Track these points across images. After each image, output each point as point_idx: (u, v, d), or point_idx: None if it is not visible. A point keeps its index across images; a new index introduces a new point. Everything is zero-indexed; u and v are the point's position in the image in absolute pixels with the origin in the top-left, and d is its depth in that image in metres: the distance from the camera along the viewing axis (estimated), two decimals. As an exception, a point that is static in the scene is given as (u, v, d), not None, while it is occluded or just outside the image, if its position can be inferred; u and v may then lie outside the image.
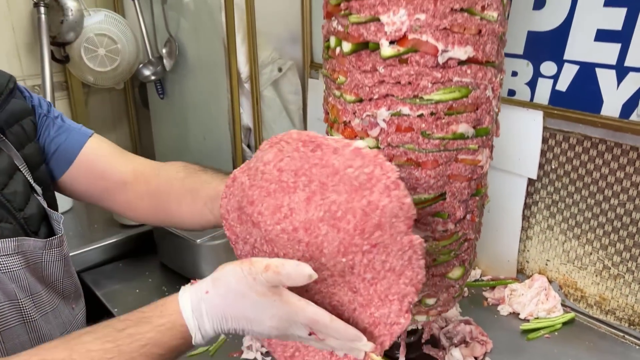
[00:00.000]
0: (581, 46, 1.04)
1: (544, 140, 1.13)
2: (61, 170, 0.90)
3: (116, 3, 1.85)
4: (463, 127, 0.78)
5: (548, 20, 1.07)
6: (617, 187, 1.04)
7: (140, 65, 1.77)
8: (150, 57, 1.75)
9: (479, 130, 0.79)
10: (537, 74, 1.12)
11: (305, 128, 1.70)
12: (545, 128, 1.12)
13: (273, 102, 1.62)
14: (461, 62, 0.75)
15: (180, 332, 0.62)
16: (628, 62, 0.98)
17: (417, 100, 0.75)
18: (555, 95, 1.10)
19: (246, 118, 1.61)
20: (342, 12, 0.77)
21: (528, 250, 1.23)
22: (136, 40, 1.77)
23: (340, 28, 0.79)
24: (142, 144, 2.13)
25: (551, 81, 1.10)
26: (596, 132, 1.04)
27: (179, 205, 0.89)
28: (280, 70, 1.61)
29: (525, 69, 1.13)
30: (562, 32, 1.06)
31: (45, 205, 0.84)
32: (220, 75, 1.54)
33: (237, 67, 1.52)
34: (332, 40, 0.82)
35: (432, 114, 0.76)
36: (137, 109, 2.07)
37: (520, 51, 1.13)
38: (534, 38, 1.11)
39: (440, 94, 0.75)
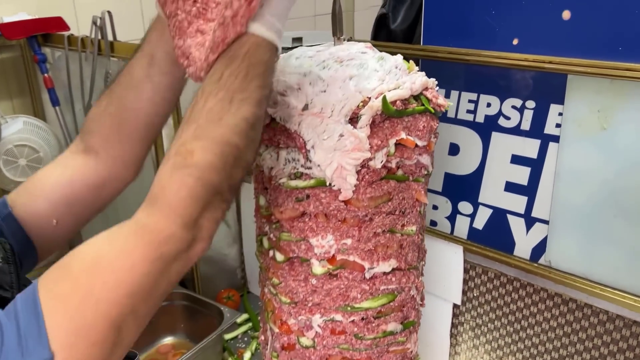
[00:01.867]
0: (493, 193, 1.13)
1: (466, 271, 1.22)
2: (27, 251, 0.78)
3: (35, 107, 1.80)
4: (392, 326, 0.84)
5: (462, 166, 1.16)
6: (531, 320, 1.14)
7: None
8: (76, 164, 1.71)
9: (406, 324, 0.86)
10: (455, 210, 1.20)
11: (240, 228, 1.73)
12: (465, 261, 1.20)
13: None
14: (386, 273, 0.81)
15: (265, 46, 0.62)
16: (534, 214, 1.08)
17: (349, 308, 0.81)
18: (472, 232, 1.19)
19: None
20: (273, 224, 0.81)
21: (457, 365, 1.32)
22: (60, 144, 1.73)
23: (272, 237, 0.83)
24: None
25: (468, 219, 1.19)
26: (511, 271, 1.14)
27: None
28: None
29: (445, 205, 1.22)
30: (476, 178, 1.15)
31: None
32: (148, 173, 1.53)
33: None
34: (265, 242, 0.86)
35: (362, 319, 0.81)
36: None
37: (440, 189, 1.21)
38: (451, 179, 1.19)
39: (369, 302, 0.81)
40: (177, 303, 1.55)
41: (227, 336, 1.52)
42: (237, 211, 1.72)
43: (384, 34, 1.36)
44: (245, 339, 1.54)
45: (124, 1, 1.75)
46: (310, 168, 0.74)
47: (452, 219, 1.22)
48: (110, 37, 1.51)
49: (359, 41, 0.90)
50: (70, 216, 0.78)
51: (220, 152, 0.58)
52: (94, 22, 1.49)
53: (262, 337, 0.97)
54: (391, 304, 0.82)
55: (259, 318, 0.99)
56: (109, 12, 1.49)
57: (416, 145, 0.76)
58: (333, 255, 0.78)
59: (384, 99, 0.69)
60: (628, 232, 0.97)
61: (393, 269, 0.81)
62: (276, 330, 0.87)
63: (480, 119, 1.11)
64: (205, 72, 0.63)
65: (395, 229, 0.79)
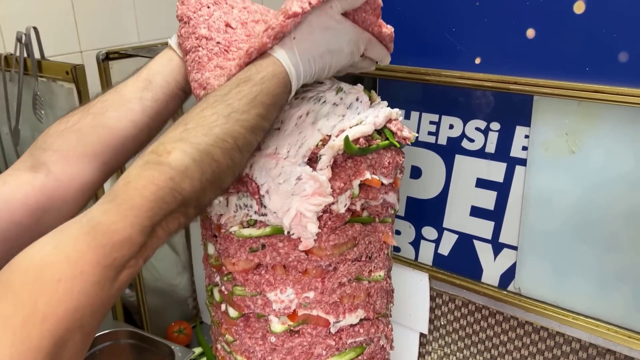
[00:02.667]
0: (458, 218, 1.07)
1: (432, 298, 1.16)
2: None
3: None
4: (361, 380, 0.76)
5: (425, 189, 1.10)
6: (501, 349, 1.09)
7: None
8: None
9: (376, 375, 0.78)
10: (419, 236, 1.14)
11: (190, 255, 1.62)
12: (432, 288, 1.14)
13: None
14: (353, 325, 0.73)
15: (281, 80, 0.62)
16: (502, 239, 1.03)
17: (313, 366, 0.72)
18: (438, 258, 1.13)
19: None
20: (225, 276, 0.72)
21: (425, 396, 1.26)
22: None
23: (224, 290, 0.74)
24: None
25: (433, 244, 1.13)
26: (479, 299, 1.09)
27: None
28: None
29: (408, 230, 1.15)
30: (440, 202, 1.09)
31: None
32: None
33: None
34: (216, 294, 0.76)
35: (329, 376, 0.73)
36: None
37: (402, 213, 1.15)
38: (413, 203, 1.13)
39: (335, 359, 0.73)
40: (122, 342, 1.42)
41: (180, 375, 1.41)
42: (186, 236, 1.61)
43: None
44: (200, 375, 1.44)
45: (54, 15, 1.61)
46: (265, 215, 0.66)
47: (416, 244, 1.16)
48: (37, 55, 1.37)
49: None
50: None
51: (199, 159, 0.55)
52: (18, 39, 1.35)
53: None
54: (359, 357, 0.74)
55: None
56: (34, 28, 1.36)
57: (382, 184, 0.68)
58: (294, 311, 0.69)
59: (346, 138, 0.61)
60: (599, 258, 0.93)
61: (361, 320, 0.73)
62: (233, 390, 0.77)
63: (442, 141, 1.05)
64: None
65: (362, 277, 0.71)
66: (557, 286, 0.99)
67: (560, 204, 0.94)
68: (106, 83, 1.30)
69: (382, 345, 0.77)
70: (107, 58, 1.28)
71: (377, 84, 1.08)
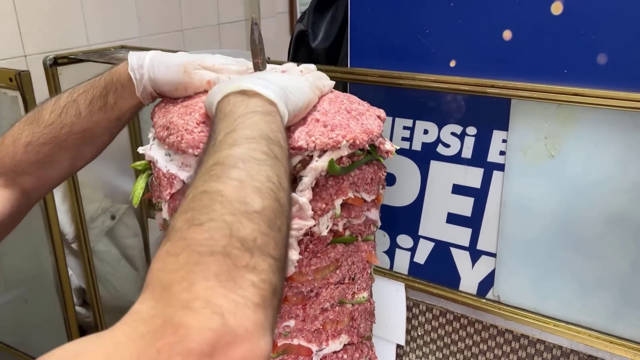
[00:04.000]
0: (434, 225, 1.04)
1: (409, 308, 1.12)
2: None
3: None
4: (346, 409, 0.71)
5: (400, 197, 1.06)
6: (481, 358, 1.07)
7: None
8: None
9: (361, 402, 0.74)
10: (394, 244, 1.10)
11: (150, 270, 1.53)
12: (408, 298, 1.11)
13: (108, 255, 1.43)
14: (337, 351, 0.68)
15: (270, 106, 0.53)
16: (480, 246, 1.00)
17: (295, 398, 0.67)
18: (414, 267, 1.09)
19: (77, 279, 1.40)
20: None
21: (403, 407, 1.23)
22: None
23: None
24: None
25: (409, 253, 1.09)
26: (457, 308, 1.06)
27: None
28: (113, 218, 1.42)
29: (383, 238, 1.11)
30: (415, 210, 1.05)
31: None
32: (40, 240, 1.31)
33: (59, 228, 1.31)
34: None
35: (312, 408, 0.68)
36: None
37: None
38: (388, 211, 1.08)
39: (319, 388, 0.68)
40: (81, 367, 1.33)
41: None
42: (145, 251, 1.52)
43: (304, 53, 1.23)
44: (165, 397, 1.36)
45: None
46: (239, 240, 0.59)
47: (390, 253, 1.12)
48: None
49: (279, 63, 0.76)
50: None
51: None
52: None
53: None
54: (344, 386, 0.69)
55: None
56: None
57: (364, 201, 0.64)
58: (274, 341, 0.64)
59: (331, 161, 0.56)
60: (579, 264, 0.91)
61: (344, 345, 0.68)
62: None
63: (417, 146, 1.01)
64: None
65: (345, 300, 0.67)
66: (537, 293, 0.97)
67: (539, 209, 0.92)
68: (55, 90, 1.21)
69: (367, 370, 0.73)
70: (55, 63, 1.18)
71: (348, 88, 1.03)
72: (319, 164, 0.56)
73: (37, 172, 0.70)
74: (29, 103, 1.17)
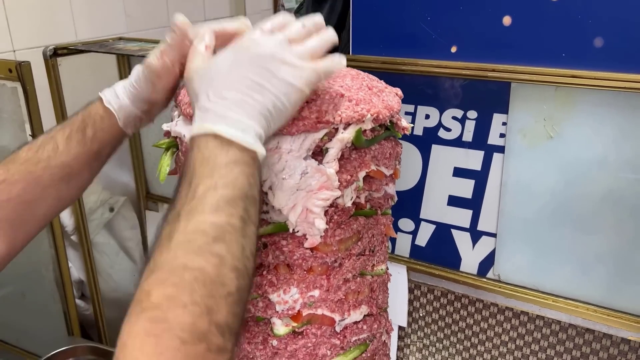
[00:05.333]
0: (435, 208, 1.07)
1: (411, 290, 1.15)
2: None
3: None
4: (364, 378, 0.74)
5: (401, 181, 1.09)
6: (482, 336, 1.10)
7: None
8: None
9: (378, 372, 0.76)
10: (395, 228, 1.13)
11: (147, 262, 1.53)
12: (410, 280, 1.14)
13: (107, 247, 1.43)
14: (357, 322, 0.70)
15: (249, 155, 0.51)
16: (480, 227, 1.04)
17: (317, 367, 0.69)
18: (415, 249, 1.13)
19: (76, 271, 1.40)
20: (220, 280, 0.68)
21: (404, 389, 1.26)
22: None
23: (219, 294, 0.69)
24: None
25: (410, 236, 1.12)
26: (458, 288, 1.09)
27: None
28: (112, 210, 1.42)
29: (384, 223, 1.14)
30: (416, 193, 1.08)
31: None
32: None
33: (59, 220, 1.31)
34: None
35: (333, 377, 0.70)
36: None
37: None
38: (389, 196, 1.11)
39: (340, 358, 0.70)
40: (82, 359, 1.33)
41: (145, 388, 1.33)
42: (143, 243, 1.53)
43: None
44: (167, 388, 1.36)
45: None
46: (267, 212, 0.62)
47: (392, 237, 1.15)
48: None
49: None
50: None
51: None
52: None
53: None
54: (363, 355, 0.72)
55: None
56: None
57: (384, 176, 0.66)
58: (298, 311, 0.66)
59: (358, 130, 0.59)
60: (577, 241, 0.95)
61: (364, 316, 0.70)
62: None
63: (418, 131, 1.04)
64: None
65: (365, 272, 0.69)
66: (536, 270, 1.01)
67: (538, 189, 0.95)
68: (55, 81, 1.21)
69: (384, 341, 0.75)
70: (55, 54, 1.18)
71: (351, 76, 1.06)
72: (345, 135, 0.59)
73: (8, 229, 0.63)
74: (29, 94, 1.17)
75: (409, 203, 1.10)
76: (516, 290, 1.02)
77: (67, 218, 1.31)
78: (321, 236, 0.62)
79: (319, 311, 0.66)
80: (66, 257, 1.34)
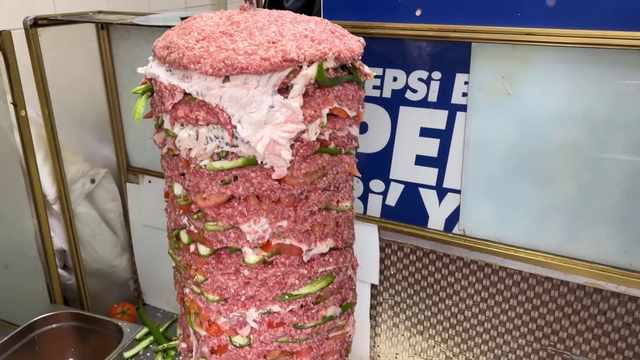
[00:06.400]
0: (404, 168, 1.13)
1: (382, 249, 1.20)
2: None
3: None
4: (331, 310, 0.79)
5: (372, 143, 1.14)
6: (449, 290, 1.16)
7: None
8: None
9: (345, 306, 0.81)
10: (367, 189, 1.18)
11: (129, 235, 1.57)
12: (381, 239, 1.19)
13: (88, 217, 1.46)
14: (323, 254, 0.75)
15: None
16: (446, 184, 1.09)
17: (287, 297, 0.74)
18: (385, 209, 1.18)
19: (58, 241, 1.43)
20: (195, 214, 0.72)
21: (378, 346, 1.31)
22: None
23: (193, 229, 0.74)
24: None
25: (381, 197, 1.17)
26: (426, 244, 1.14)
27: None
28: (93, 181, 1.45)
29: (357, 185, 1.19)
30: (386, 155, 1.13)
31: None
32: (22, 200, 1.34)
33: (41, 189, 1.34)
34: (184, 236, 0.76)
35: (302, 306, 0.75)
36: None
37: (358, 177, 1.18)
38: (361, 158, 1.16)
39: (308, 288, 0.75)
40: (64, 325, 1.36)
41: (127, 354, 1.37)
42: (125, 216, 1.56)
43: (279, 13, 1.29)
44: (148, 354, 1.40)
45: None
46: (236, 146, 0.66)
47: (364, 198, 1.20)
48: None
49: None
50: None
51: None
52: None
53: (184, 345, 0.87)
54: (330, 286, 0.77)
55: (179, 322, 0.88)
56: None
57: (347, 116, 0.71)
58: (268, 241, 0.71)
59: (320, 65, 0.64)
60: (536, 192, 1.01)
61: (330, 249, 0.75)
62: (203, 333, 0.77)
63: (387, 94, 1.09)
64: None
65: (330, 206, 0.74)
66: (498, 224, 1.06)
67: (498, 145, 1.01)
68: (35, 52, 1.24)
69: (350, 275, 0.80)
70: (35, 24, 1.22)
71: (322, 40, 1.10)
72: (309, 71, 0.64)
73: None
74: (10, 63, 1.20)
75: (380, 164, 1.15)
76: (480, 243, 1.08)
77: (48, 187, 1.34)
78: (288, 168, 0.67)
79: (287, 241, 0.71)
80: (48, 225, 1.37)
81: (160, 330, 1.49)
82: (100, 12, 1.35)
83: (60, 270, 1.45)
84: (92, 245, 1.48)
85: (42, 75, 1.26)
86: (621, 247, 0.96)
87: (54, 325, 1.36)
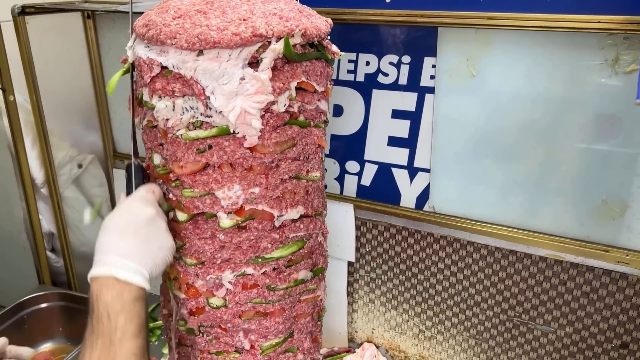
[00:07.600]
0: (377, 149, 1.18)
1: (357, 228, 1.26)
2: None
3: None
4: (303, 274, 0.84)
5: (347, 126, 1.20)
6: (421, 266, 1.22)
7: None
8: None
9: (316, 271, 0.87)
10: (343, 170, 1.24)
11: (115, 219, 1.61)
12: (356, 218, 1.25)
13: (76, 202, 1.50)
14: (294, 220, 0.81)
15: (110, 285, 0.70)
16: (417, 164, 1.15)
17: (260, 260, 0.79)
18: (361, 189, 1.23)
19: (47, 224, 1.47)
20: (173, 182, 0.77)
21: (355, 322, 1.36)
22: None
23: (172, 197, 0.79)
24: None
25: (356, 177, 1.23)
26: (399, 222, 1.20)
27: None
28: (80, 166, 1.50)
29: (333, 166, 1.25)
30: (360, 137, 1.19)
31: None
32: (11, 184, 1.38)
33: (29, 173, 1.38)
34: (163, 205, 0.81)
35: (274, 269, 0.81)
36: None
37: (327, 151, 1.24)
38: (337, 140, 1.22)
39: (280, 251, 0.80)
40: (53, 305, 1.41)
41: (114, 333, 1.41)
42: (111, 200, 1.60)
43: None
44: (134, 333, 1.45)
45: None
46: (210, 116, 0.71)
47: (340, 179, 1.25)
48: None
49: None
50: None
51: None
52: None
53: (165, 311, 0.92)
54: (301, 251, 0.82)
55: (160, 291, 0.93)
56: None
57: (315, 91, 0.77)
58: (241, 206, 0.76)
59: (286, 38, 0.69)
60: (499, 169, 1.07)
61: (301, 216, 0.81)
62: (182, 296, 0.83)
63: (360, 77, 1.15)
64: None
65: (300, 175, 0.79)
66: (465, 200, 1.12)
67: (464, 124, 1.07)
68: (23, 39, 1.28)
69: (320, 242, 0.86)
70: (23, 12, 1.26)
71: (299, 27, 1.16)
72: (277, 46, 0.69)
73: None
74: (-2, 51, 1.24)
75: (355, 146, 1.21)
76: (448, 219, 1.14)
77: (36, 171, 1.39)
78: (259, 137, 0.72)
79: (260, 207, 0.76)
80: (37, 209, 1.41)
81: (146, 310, 1.53)
82: (86, 1, 1.39)
83: (48, 253, 1.49)
84: (79, 228, 1.52)
85: (30, 62, 1.31)
86: (577, 220, 1.03)
87: (42, 305, 1.40)
